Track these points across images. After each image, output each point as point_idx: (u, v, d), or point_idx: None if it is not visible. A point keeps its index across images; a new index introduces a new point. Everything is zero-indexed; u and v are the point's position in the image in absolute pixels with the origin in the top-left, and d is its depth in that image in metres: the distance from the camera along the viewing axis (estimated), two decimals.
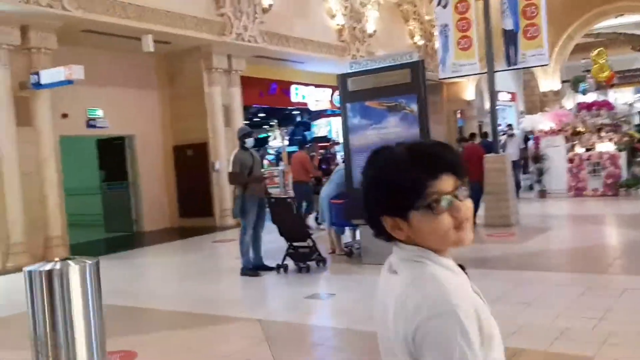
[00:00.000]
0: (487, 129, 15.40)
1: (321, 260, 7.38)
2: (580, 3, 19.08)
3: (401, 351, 1.09)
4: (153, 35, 10.88)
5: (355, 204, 7.75)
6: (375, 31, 17.64)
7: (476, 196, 10.64)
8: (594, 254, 7.60)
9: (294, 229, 7.32)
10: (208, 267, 8.45)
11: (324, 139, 18.15)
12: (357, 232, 8.13)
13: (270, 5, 13.75)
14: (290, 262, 7.32)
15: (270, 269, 7.33)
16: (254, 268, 7.25)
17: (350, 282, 6.82)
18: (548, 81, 21.07)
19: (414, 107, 7.44)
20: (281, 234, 7.40)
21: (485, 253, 7.80)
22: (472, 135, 11.47)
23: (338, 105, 10.06)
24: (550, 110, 15.88)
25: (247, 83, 14.46)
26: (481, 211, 10.42)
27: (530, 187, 15.19)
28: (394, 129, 7.55)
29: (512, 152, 15.07)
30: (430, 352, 1.04)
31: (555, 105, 16.90)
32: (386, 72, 7.67)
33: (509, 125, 16.51)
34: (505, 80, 27.29)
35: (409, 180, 1.12)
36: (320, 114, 20.47)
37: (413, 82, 7.45)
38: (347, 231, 8.50)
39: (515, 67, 10.57)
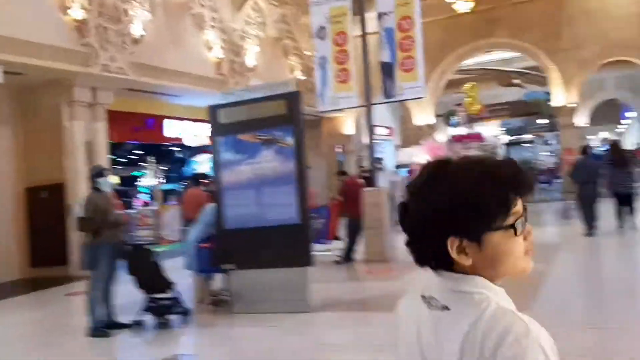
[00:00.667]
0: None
1: (184, 313, 6.59)
2: (453, 39, 19.98)
3: None
4: (3, 66, 9.70)
5: (226, 246, 7.12)
6: (255, 65, 17.27)
7: (355, 231, 10.39)
8: None
9: (153, 279, 6.49)
10: (53, 326, 7.29)
11: (203, 176, 17.33)
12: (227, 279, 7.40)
13: (142, 36, 12.93)
14: (149, 317, 6.45)
15: (124, 326, 6.41)
16: (105, 326, 6.29)
17: (218, 336, 6.11)
18: (423, 115, 21.73)
19: (290, 140, 7.00)
20: (140, 287, 6.53)
21: (365, 293, 7.41)
22: (343, 173, 11.16)
23: None
24: (424, 142, 16.23)
25: (117, 118, 13.41)
26: (360, 246, 10.21)
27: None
28: (269, 164, 7.07)
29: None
30: None
31: (428, 138, 17.36)
32: (260, 103, 7.20)
33: (377, 159, 16.63)
34: (383, 115, 28.04)
35: (499, 197, 1.03)
36: (202, 149, 19.65)
37: (289, 114, 7.03)
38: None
39: (392, 99, 10.54)
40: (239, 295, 6.89)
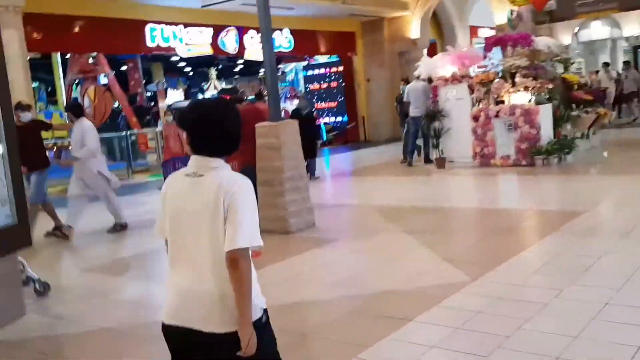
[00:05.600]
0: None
1: None
2: None
3: (218, 210, 1.91)
4: None
5: None
6: None
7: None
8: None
9: None
10: None
11: None
12: None
13: None
14: None
15: None
16: None
17: None
18: (501, 14, 16.53)
19: None
20: None
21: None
22: (238, 99, 7.53)
23: None
24: (450, 51, 11.62)
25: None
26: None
27: (427, 155, 11.51)
28: None
29: (414, 105, 11.28)
30: (241, 198, 1.92)
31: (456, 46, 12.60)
32: None
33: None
34: (486, 13, 22.37)
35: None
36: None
37: None
38: None
39: None
40: None
